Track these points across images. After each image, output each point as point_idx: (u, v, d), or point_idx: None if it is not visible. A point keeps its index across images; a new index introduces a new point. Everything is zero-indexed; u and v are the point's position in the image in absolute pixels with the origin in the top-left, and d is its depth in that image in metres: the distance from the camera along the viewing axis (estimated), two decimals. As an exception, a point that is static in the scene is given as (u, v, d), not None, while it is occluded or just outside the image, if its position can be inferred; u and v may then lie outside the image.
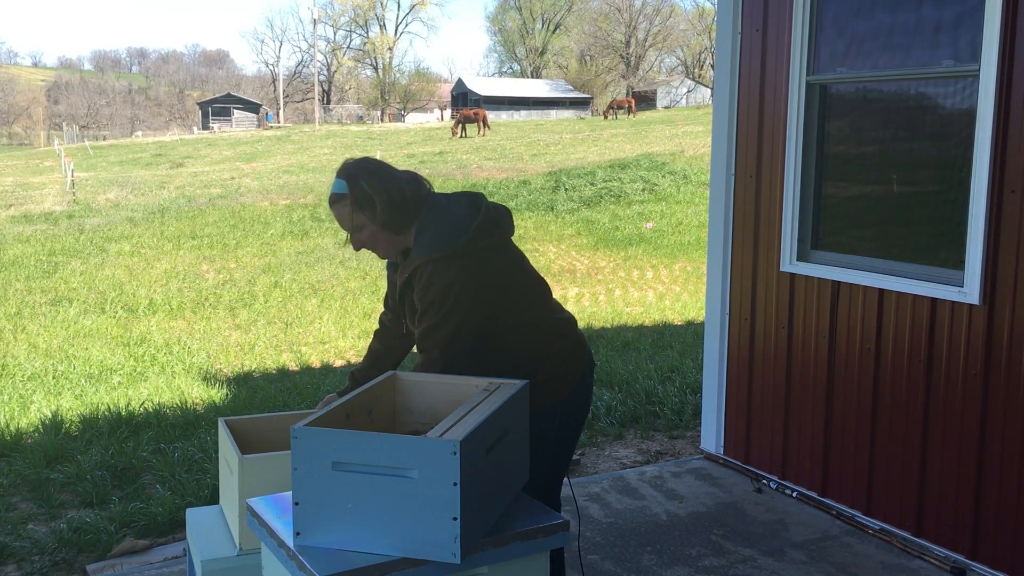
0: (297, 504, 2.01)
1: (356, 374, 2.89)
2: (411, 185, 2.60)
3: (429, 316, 2.51)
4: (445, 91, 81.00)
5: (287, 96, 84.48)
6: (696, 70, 68.70)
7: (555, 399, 2.69)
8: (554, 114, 67.16)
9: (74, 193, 22.69)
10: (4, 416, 6.09)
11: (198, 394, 6.75)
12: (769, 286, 4.45)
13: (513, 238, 2.72)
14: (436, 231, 2.54)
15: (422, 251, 2.52)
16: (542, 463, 2.66)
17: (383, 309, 2.95)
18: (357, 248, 2.64)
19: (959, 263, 3.57)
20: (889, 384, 3.87)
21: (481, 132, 39.24)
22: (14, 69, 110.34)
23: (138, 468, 4.95)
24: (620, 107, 47.81)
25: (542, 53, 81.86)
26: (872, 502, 3.99)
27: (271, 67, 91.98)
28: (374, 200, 2.54)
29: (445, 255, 2.50)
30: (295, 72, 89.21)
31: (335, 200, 2.60)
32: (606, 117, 47.41)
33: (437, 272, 2.49)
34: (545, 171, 22.78)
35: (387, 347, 2.90)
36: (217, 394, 6.80)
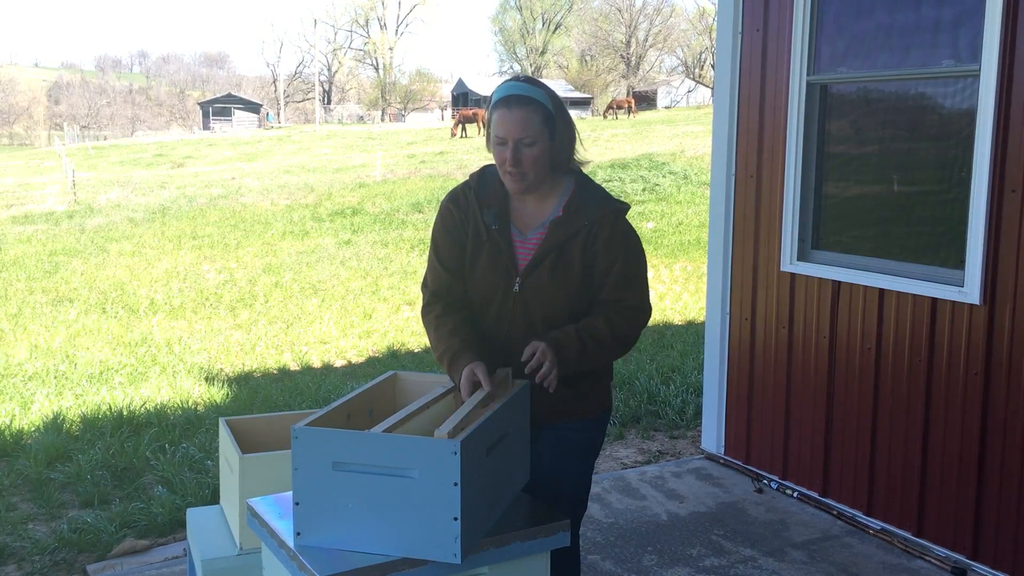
0: (297, 504, 2.01)
1: (463, 348, 2.37)
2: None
3: (630, 264, 2.42)
4: (446, 91, 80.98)
5: (288, 96, 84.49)
6: (696, 70, 68.55)
7: (611, 402, 2.65)
8: (555, 114, 66.67)
9: (75, 193, 22.68)
10: (5, 416, 6.10)
11: (199, 394, 6.75)
12: (769, 286, 4.44)
13: None
14: (602, 189, 2.50)
15: (605, 202, 2.45)
16: (589, 475, 2.63)
17: (439, 286, 2.51)
18: (513, 162, 2.35)
19: (959, 263, 3.58)
20: (889, 384, 3.87)
21: (481, 132, 39.26)
22: (15, 69, 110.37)
23: (139, 468, 4.96)
24: (620, 107, 47.70)
25: (542, 53, 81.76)
26: (873, 502, 3.99)
27: (272, 67, 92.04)
28: (562, 127, 2.41)
29: (627, 209, 2.48)
30: (296, 72, 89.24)
31: (526, 102, 2.34)
32: (606, 117, 47.33)
33: (627, 223, 2.47)
34: (545, 171, 22.68)
35: (471, 316, 2.48)
36: (218, 394, 6.80)
